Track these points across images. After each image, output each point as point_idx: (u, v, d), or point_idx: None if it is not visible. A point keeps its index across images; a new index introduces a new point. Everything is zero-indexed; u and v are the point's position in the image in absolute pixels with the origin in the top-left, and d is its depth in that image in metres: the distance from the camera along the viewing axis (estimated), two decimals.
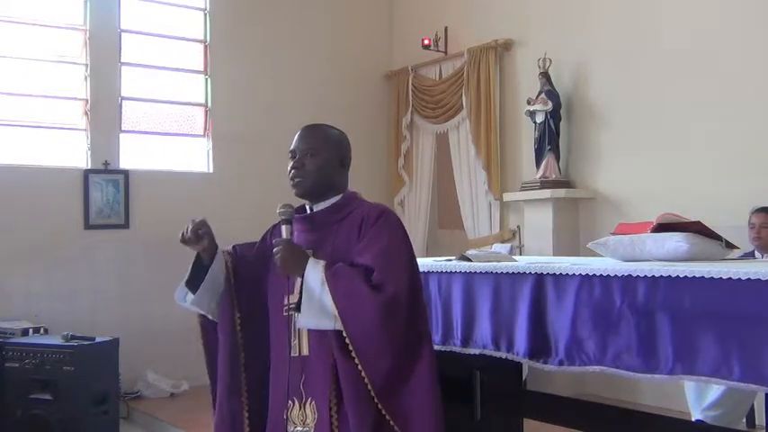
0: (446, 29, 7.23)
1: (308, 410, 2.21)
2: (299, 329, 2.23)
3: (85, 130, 6.30)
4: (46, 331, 5.27)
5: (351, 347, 2.07)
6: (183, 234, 2.33)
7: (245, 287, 2.38)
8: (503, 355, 2.74)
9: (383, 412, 2.07)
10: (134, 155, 6.53)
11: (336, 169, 2.37)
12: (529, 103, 6.09)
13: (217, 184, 6.78)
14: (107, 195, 6.27)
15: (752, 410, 4.34)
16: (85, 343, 4.87)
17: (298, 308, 2.16)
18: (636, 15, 5.72)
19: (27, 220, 5.86)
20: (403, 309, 2.11)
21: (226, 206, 6.61)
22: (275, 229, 2.48)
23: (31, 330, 5.19)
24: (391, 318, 2.08)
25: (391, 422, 2.08)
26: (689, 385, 4.11)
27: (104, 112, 6.34)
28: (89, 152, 6.28)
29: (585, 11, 6.05)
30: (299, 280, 2.20)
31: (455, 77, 7.01)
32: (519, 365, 3.14)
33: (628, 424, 2.87)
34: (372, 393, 2.06)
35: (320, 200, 2.36)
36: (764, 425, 4.27)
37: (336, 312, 2.08)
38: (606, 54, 5.88)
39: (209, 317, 2.43)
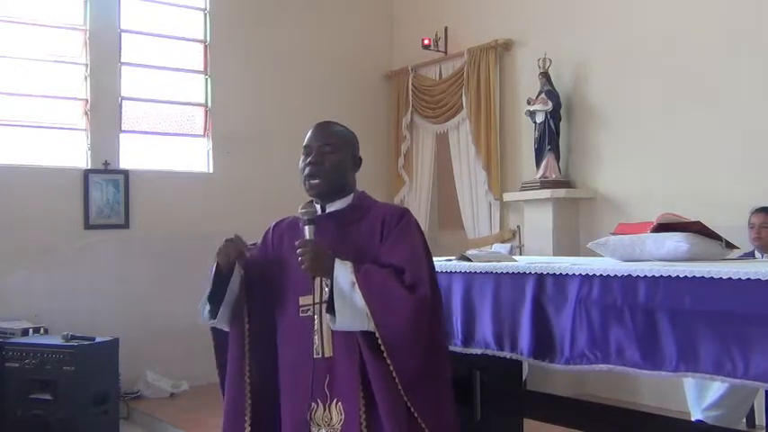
0: (446, 29, 7.23)
1: (333, 412, 2.20)
2: (322, 330, 2.21)
3: (85, 130, 6.30)
4: (46, 331, 5.27)
5: (383, 347, 2.07)
6: (225, 253, 2.25)
7: (254, 293, 2.35)
8: (506, 354, 2.74)
9: (410, 408, 2.11)
10: (134, 155, 6.53)
11: (350, 168, 2.37)
12: (529, 103, 6.09)
13: (217, 184, 6.79)
14: (107, 195, 6.27)
15: (752, 411, 4.34)
16: (85, 343, 4.87)
17: (329, 310, 2.14)
18: (636, 15, 5.72)
19: (27, 220, 5.86)
20: (431, 308, 2.15)
21: (226, 206, 6.62)
22: (276, 229, 2.46)
23: (31, 330, 5.19)
24: (423, 317, 2.12)
25: (417, 416, 2.11)
26: (689, 385, 4.11)
27: (104, 112, 6.34)
28: (89, 152, 6.28)
29: (585, 11, 6.05)
30: (317, 281, 2.19)
31: (455, 77, 7.01)
32: (519, 366, 3.13)
33: (628, 424, 2.87)
34: (401, 389, 2.09)
35: (333, 199, 2.33)
36: (764, 425, 4.27)
37: (369, 312, 2.08)
38: (606, 54, 5.88)
39: (224, 328, 2.40)
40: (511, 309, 2.73)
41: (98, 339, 4.98)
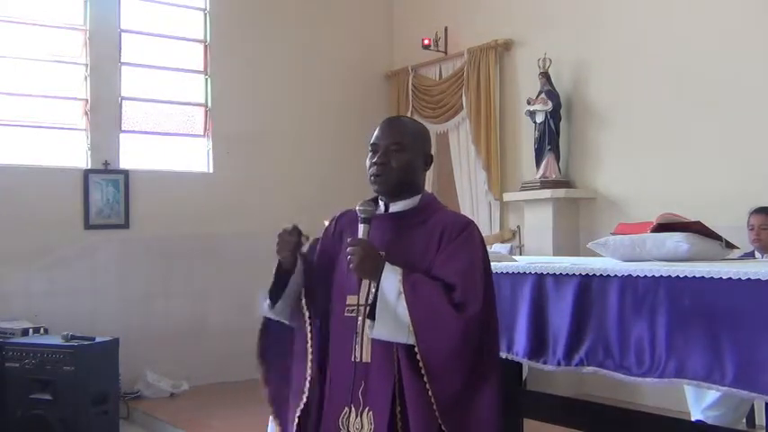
0: (446, 29, 7.23)
1: (364, 420, 2.11)
2: (362, 334, 2.12)
3: (85, 130, 6.30)
4: (46, 331, 5.27)
5: (421, 363, 1.98)
6: (283, 247, 2.17)
7: (316, 293, 2.26)
8: (503, 354, 2.73)
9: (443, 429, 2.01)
10: (134, 155, 6.53)
11: (420, 168, 2.26)
12: (529, 103, 6.09)
13: (217, 184, 6.79)
14: (107, 195, 6.27)
15: (752, 411, 4.33)
16: (85, 343, 4.87)
17: (370, 315, 2.05)
18: (636, 15, 5.72)
19: (27, 220, 5.86)
20: (479, 329, 2.04)
21: (226, 206, 6.62)
22: (339, 221, 2.35)
23: (31, 330, 5.19)
24: (469, 338, 2.00)
25: None
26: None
27: (104, 112, 6.34)
28: (89, 152, 6.28)
29: (585, 11, 6.05)
30: (365, 282, 2.12)
31: (455, 77, 7.01)
32: (519, 365, 3.13)
33: (628, 424, 2.87)
34: (435, 410, 1.99)
35: (398, 199, 2.23)
36: (765, 425, 4.27)
37: (411, 327, 1.98)
38: (606, 54, 5.87)
39: (284, 321, 2.29)
40: (509, 309, 2.73)
41: (98, 339, 4.98)
